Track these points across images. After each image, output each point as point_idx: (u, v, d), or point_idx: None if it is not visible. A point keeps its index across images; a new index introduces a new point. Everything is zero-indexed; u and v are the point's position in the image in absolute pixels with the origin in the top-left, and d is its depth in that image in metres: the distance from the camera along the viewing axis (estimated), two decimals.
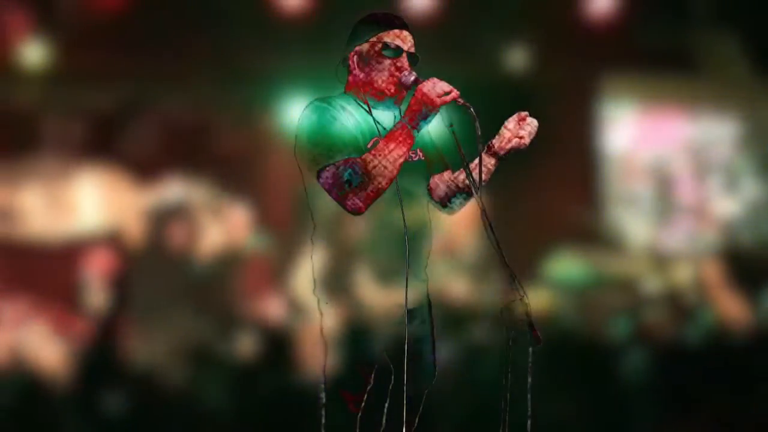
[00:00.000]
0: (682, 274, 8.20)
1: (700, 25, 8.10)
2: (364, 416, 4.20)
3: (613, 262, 8.11)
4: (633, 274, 8.08)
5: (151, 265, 7.19)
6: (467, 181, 4.26)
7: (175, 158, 7.09)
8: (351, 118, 4.12)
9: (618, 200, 8.40)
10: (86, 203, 7.22)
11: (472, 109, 4.08)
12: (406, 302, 4.12)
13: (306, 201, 4.17)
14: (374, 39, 4.21)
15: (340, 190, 3.93)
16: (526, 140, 4.38)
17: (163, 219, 7.16)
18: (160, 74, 7.00)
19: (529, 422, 3.90)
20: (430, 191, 4.43)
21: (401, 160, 3.95)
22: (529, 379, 3.83)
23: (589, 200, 8.27)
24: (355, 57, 4.22)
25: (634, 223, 8.35)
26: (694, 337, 7.87)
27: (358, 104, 4.20)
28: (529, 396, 3.84)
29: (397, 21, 4.29)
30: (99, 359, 7.02)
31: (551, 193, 7.95)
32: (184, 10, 7.01)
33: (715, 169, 8.56)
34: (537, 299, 7.80)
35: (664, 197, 8.50)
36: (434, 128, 4.25)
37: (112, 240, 7.22)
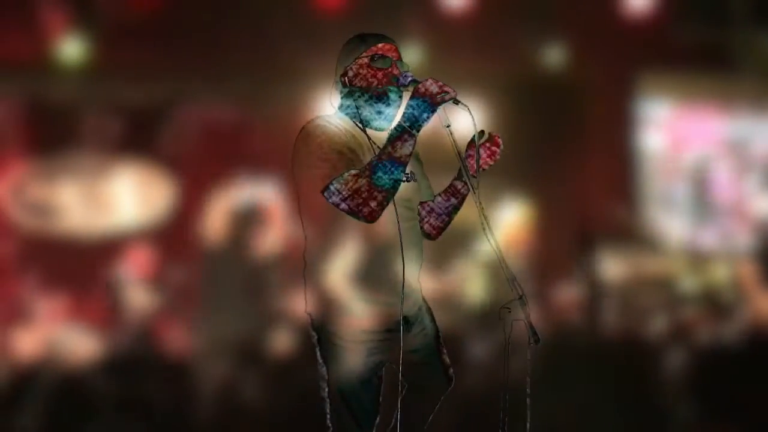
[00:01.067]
0: (719, 273, 8.17)
1: (738, 22, 8.06)
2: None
3: (650, 260, 8.09)
4: (670, 273, 8.05)
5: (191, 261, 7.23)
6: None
7: (213, 155, 7.12)
8: (349, 135, 4.16)
9: (655, 199, 8.37)
10: (123, 199, 7.25)
11: (469, 109, 4.06)
12: (402, 310, 4.15)
13: (300, 219, 4.20)
14: (363, 54, 4.24)
15: (352, 201, 3.96)
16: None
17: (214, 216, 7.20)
18: (199, 71, 7.03)
19: (528, 422, 3.90)
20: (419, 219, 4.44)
21: (406, 160, 3.97)
22: (528, 377, 3.83)
23: (626, 199, 8.25)
24: (346, 78, 4.25)
25: (671, 222, 8.32)
26: (731, 335, 7.83)
27: (353, 122, 4.24)
28: (528, 389, 3.84)
29: (384, 37, 4.30)
30: (135, 354, 7.05)
31: (588, 191, 7.93)
32: (223, 6, 7.05)
33: (752, 168, 8.52)
34: (574, 295, 7.81)
35: (702, 196, 8.47)
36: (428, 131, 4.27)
37: (149, 236, 7.26)
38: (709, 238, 8.40)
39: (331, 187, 3.97)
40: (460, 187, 4.42)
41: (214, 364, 6.97)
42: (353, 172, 3.97)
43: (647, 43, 7.83)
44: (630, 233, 8.16)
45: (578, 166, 7.96)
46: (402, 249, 4.11)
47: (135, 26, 7.15)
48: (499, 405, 3.87)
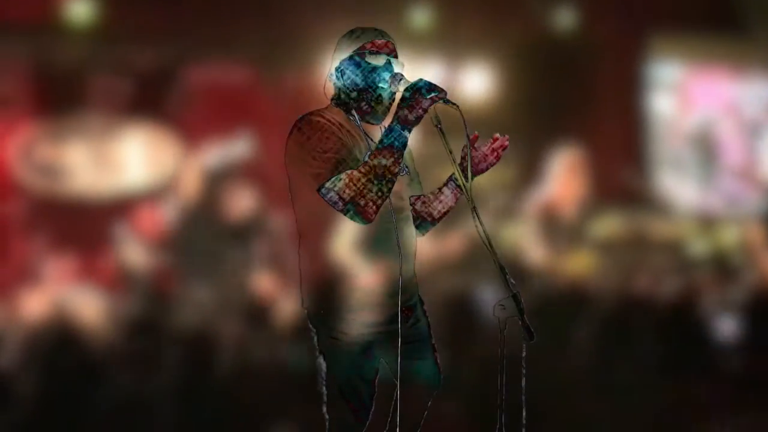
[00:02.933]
0: (727, 236, 8.17)
1: None
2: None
3: (657, 223, 8.08)
4: (678, 236, 8.05)
5: (196, 223, 7.22)
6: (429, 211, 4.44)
7: (220, 117, 7.11)
8: (344, 130, 4.16)
9: (664, 162, 8.35)
10: (132, 160, 7.24)
11: (459, 108, 4.07)
12: (399, 304, 4.16)
13: (295, 215, 4.21)
14: (359, 50, 4.23)
15: (348, 201, 3.97)
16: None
17: (212, 178, 7.18)
18: (208, 32, 7.00)
19: (525, 419, 3.91)
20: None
21: (399, 158, 3.99)
22: (524, 372, 3.84)
23: (635, 161, 8.24)
24: (341, 72, 4.25)
25: (681, 185, 8.31)
26: (738, 298, 7.84)
27: (348, 117, 4.24)
28: (523, 385, 3.85)
29: (381, 34, 4.30)
30: (144, 315, 7.07)
31: (596, 154, 7.92)
32: None
33: (762, 131, 8.50)
34: (581, 260, 7.81)
35: (710, 159, 8.45)
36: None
37: (157, 197, 7.25)
38: (717, 201, 8.39)
39: (327, 185, 3.98)
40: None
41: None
42: (349, 171, 3.97)
43: (658, 4, 7.79)
44: (639, 196, 8.15)
45: (588, 128, 7.94)
46: (398, 244, 4.14)
47: None
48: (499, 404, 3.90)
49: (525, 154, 7.79)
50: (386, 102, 4.23)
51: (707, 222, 8.23)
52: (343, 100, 4.27)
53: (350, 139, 4.14)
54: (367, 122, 4.25)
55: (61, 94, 7.07)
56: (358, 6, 6.43)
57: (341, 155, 4.04)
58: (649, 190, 8.19)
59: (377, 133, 4.22)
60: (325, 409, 4.23)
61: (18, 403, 6.59)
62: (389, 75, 4.21)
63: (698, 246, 8.06)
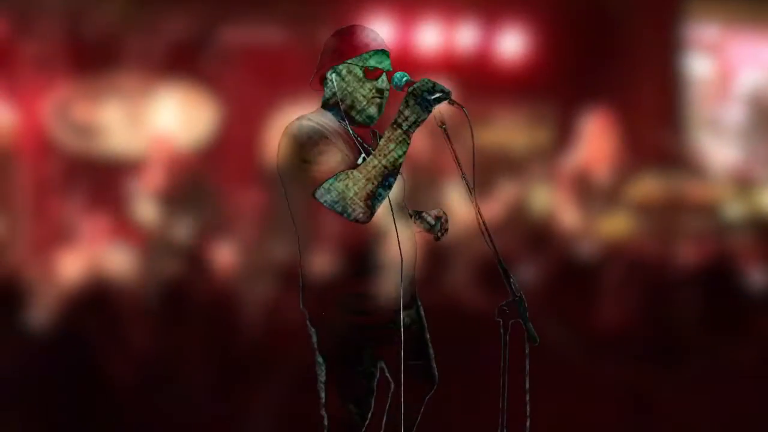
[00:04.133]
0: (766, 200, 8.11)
1: None
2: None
3: (695, 186, 8.03)
4: (715, 199, 7.99)
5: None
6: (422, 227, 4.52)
7: (256, 77, 7.10)
8: (335, 132, 4.15)
9: (702, 124, 8.29)
10: (167, 120, 7.25)
11: (464, 109, 4.05)
12: (401, 304, 4.15)
13: (293, 219, 4.21)
14: (355, 61, 4.20)
15: (344, 204, 3.95)
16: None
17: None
18: None
19: (528, 418, 3.90)
20: None
21: (399, 162, 3.97)
22: (527, 371, 3.83)
23: (672, 124, 8.18)
24: (335, 76, 4.23)
25: (719, 148, 8.25)
26: None
27: (338, 120, 4.21)
28: (527, 386, 3.84)
29: (376, 40, 4.27)
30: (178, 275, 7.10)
31: (633, 115, 7.87)
32: None
33: None
34: (617, 222, 7.78)
35: (750, 122, 8.37)
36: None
37: (191, 157, 7.27)
38: (757, 164, 8.33)
39: (323, 188, 3.98)
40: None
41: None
42: (347, 172, 3.96)
43: None
44: (676, 158, 8.10)
45: (623, 90, 7.89)
46: (399, 244, 4.14)
47: None
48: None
49: (559, 116, 7.76)
50: (379, 105, 4.23)
51: (746, 185, 8.16)
52: (334, 103, 4.26)
53: (342, 142, 4.14)
54: (359, 125, 4.25)
55: (96, 54, 7.09)
56: None
57: (335, 158, 4.05)
58: (686, 152, 8.13)
59: (368, 136, 4.24)
60: (323, 409, 4.25)
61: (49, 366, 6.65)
62: (387, 75, 4.21)
63: (736, 209, 8.00)
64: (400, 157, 3.97)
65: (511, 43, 7.65)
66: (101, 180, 7.11)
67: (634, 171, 7.87)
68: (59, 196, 7.08)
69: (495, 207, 7.47)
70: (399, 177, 4.21)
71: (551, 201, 7.75)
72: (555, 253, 7.58)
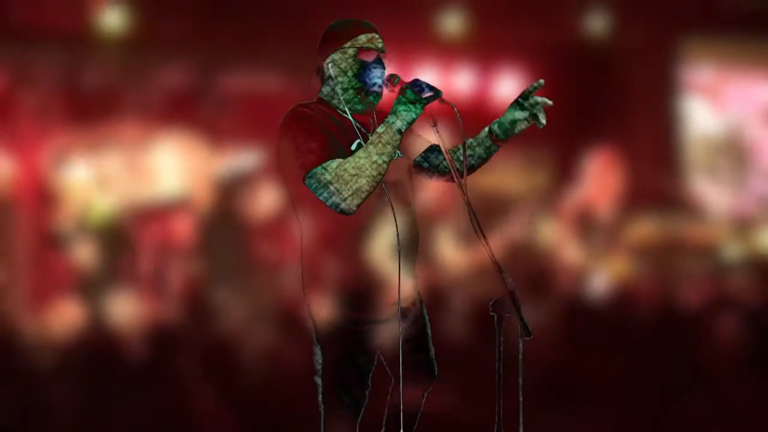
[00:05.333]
0: (762, 240, 8.13)
1: None
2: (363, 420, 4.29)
3: (691, 227, 8.06)
4: (712, 240, 8.02)
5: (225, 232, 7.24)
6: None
7: (255, 127, 7.12)
8: (332, 122, 4.18)
9: (697, 166, 8.32)
10: (165, 170, 7.27)
11: (455, 108, 4.07)
12: (399, 301, 4.16)
13: (293, 209, 4.23)
14: (347, 45, 4.25)
15: (329, 192, 3.99)
16: None
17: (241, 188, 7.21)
18: (240, 41, 7.03)
19: (521, 416, 3.90)
20: (420, 170, 4.46)
21: (388, 160, 4.00)
22: (521, 370, 3.83)
23: (668, 165, 8.21)
24: (330, 65, 4.26)
25: (714, 189, 8.28)
26: None
27: (337, 110, 4.25)
28: (520, 383, 3.84)
29: (365, 24, 4.31)
30: (176, 323, 7.09)
31: (630, 158, 7.91)
32: None
33: None
34: (616, 264, 7.79)
35: (744, 162, 8.41)
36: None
37: (190, 206, 7.27)
38: (750, 204, 8.36)
39: (311, 175, 4.00)
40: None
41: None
42: (336, 161, 3.99)
43: (691, 7, 7.77)
44: (672, 200, 8.13)
45: (620, 132, 7.93)
46: (397, 235, 4.15)
47: None
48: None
49: (558, 159, 7.79)
50: (375, 96, 4.25)
51: (741, 225, 8.19)
52: (331, 94, 4.29)
53: (337, 131, 4.16)
54: (360, 112, 4.27)
55: (95, 104, 7.11)
56: (389, 11, 6.44)
57: (326, 146, 4.06)
58: (682, 193, 8.16)
59: (369, 123, 4.24)
60: (320, 398, 4.25)
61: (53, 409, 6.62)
62: (381, 72, 4.23)
63: (733, 249, 8.02)
64: (390, 154, 4.02)
65: (508, 87, 7.69)
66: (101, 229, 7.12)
67: (632, 213, 7.90)
68: (59, 245, 7.09)
69: (494, 249, 7.48)
70: (402, 170, 4.29)
71: (550, 243, 7.76)
72: (555, 295, 7.59)
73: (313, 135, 4.07)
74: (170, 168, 7.28)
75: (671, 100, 8.28)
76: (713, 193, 8.25)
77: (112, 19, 7.14)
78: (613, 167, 7.84)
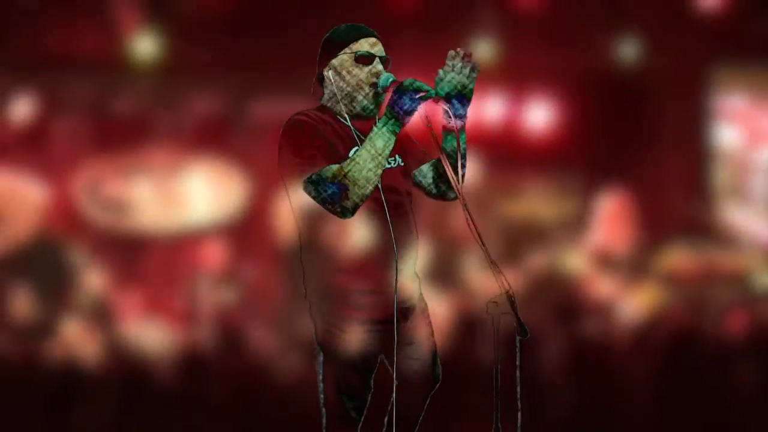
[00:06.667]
0: None
1: None
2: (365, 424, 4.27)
3: (724, 255, 8.01)
4: (745, 268, 7.96)
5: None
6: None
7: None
8: (331, 129, 4.18)
9: (730, 194, 8.28)
10: (197, 196, 7.29)
11: (448, 107, 4.07)
12: (396, 302, 4.15)
13: (293, 213, 4.23)
14: (346, 50, 4.26)
15: (327, 197, 4.00)
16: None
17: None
18: (271, 67, 7.05)
19: (519, 414, 3.88)
20: (418, 180, 4.47)
21: (383, 162, 4.01)
22: (518, 371, 3.82)
23: (700, 193, 8.17)
24: (330, 72, 4.28)
25: (747, 218, 8.23)
26: None
27: (336, 116, 4.26)
28: (518, 383, 3.82)
29: (365, 30, 4.32)
30: (208, 351, 7.09)
31: (662, 186, 7.88)
32: (293, 1, 7.06)
33: None
34: (647, 293, 7.75)
35: None
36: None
37: (222, 233, 7.29)
38: None
39: (308, 180, 4.01)
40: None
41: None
42: (333, 166, 4.00)
43: (722, 35, 7.75)
44: (704, 228, 8.09)
45: (653, 160, 7.90)
46: (394, 239, 4.14)
47: (206, 23, 7.18)
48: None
49: (588, 187, 7.77)
50: (375, 101, 4.26)
51: None
52: (331, 99, 4.30)
53: (336, 137, 4.17)
54: (361, 118, 4.28)
55: (127, 130, 7.15)
56: (419, 40, 6.46)
57: (324, 152, 4.07)
58: (714, 222, 8.12)
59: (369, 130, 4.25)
60: (322, 402, 4.25)
61: None
62: (378, 74, 4.23)
63: (766, 278, 7.97)
64: (385, 156, 4.03)
65: (539, 115, 7.69)
66: (132, 256, 7.14)
67: (664, 241, 7.86)
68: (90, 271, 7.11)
69: (523, 278, 7.46)
70: (395, 167, 4.31)
71: (580, 272, 7.73)
72: (584, 324, 7.56)
73: (312, 141, 4.09)
74: (201, 194, 7.31)
75: (703, 127, 8.25)
76: (746, 221, 8.20)
77: (143, 47, 7.19)
78: (627, 209, 7.83)
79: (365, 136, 4.12)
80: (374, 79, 4.23)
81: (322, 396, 4.25)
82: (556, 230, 7.76)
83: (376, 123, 4.20)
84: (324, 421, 4.26)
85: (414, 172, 4.44)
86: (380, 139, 4.03)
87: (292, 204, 4.21)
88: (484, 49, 7.49)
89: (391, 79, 4.18)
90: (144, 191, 7.25)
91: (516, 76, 7.55)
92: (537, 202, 7.78)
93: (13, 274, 7.00)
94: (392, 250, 4.15)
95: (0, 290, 6.96)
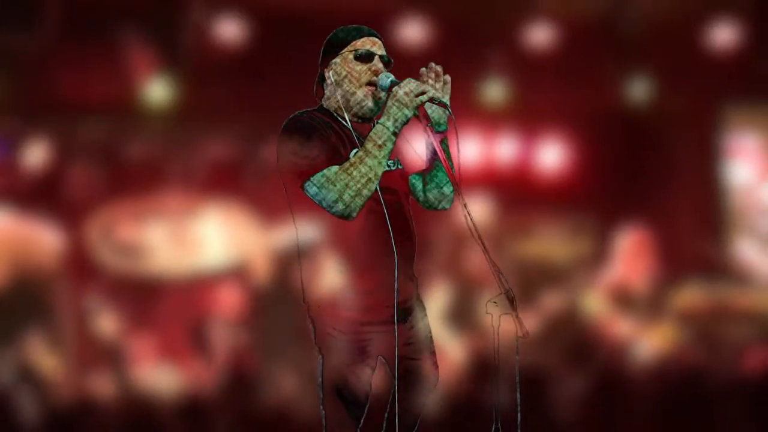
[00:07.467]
0: None
1: None
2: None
3: (738, 293, 7.99)
4: (760, 306, 7.94)
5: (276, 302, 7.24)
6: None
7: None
8: (330, 130, 4.19)
9: (742, 231, 8.27)
10: (211, 239, 7.29)
11: (449, 109, 4.09)
12: (396, 304, 4.15)
13: (292, 215, 4.24)
14: (346, 50, 4.27)
15: (327, 198, 3.99)
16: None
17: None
18: (284, 110, 7.06)
19: (518, 414, 3.87)
20: (412, 190, 4.49)
21: (384, 161, 4.02)
22: (517, 370, 3.81)
23: (713, 231, 8.16)
24: (331, 72, 4.29)
25: (759, 254, 8.22)
26: None
27: (337, 117, 4.26)
28: (517, 384, 3.82)
29: (367, 31, 4.34)
30: (225, 395, 7.07)
31: (674, 224, 7.87)
32: (306, 44, 7.08)
33: None
34: (662, 332, 7.73)
35: None
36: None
37: (237, 276, 7.29)
38: None
39: (310, 182, 4.02)
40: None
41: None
42: (333, 167, 4.00)
43: (733, 75, 7.76)
44: (717, 266, 8.07)
45: (665, 199, 7.90)
46: (392, 240, 4.14)
47: (219, 67, 7.21)
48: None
49: (601, 227, 7.76)
50: (375, 102, 4.26)
51: None
52: (331, 101, 4.31)
53: (336, 138, 4.17)
54: (360, 119, 4.29)
55: (140, 175, 7.16)
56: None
57: (324, 153, 4.08)
58: (727, 260, 8.10)
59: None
60: (322, 402, 4.23)
61: None
62: (377, 74, 4.24)
63: None
64: (385, 156, 4.03)
65: (551, 155, 7.70)
66: (146, 299, 7.14)
67: (678, 280, 7.84)
68: (103, 316, 7.11)
69: (538, 319, 7.45)
70: (394, 170, 4.31)
71: (595, 312, 7.72)
72: (599, 366, 7.54)
73: (312, 142, 4.09)
74: (215, 237, 7.31)
75: (715, 166, 8.25)
76: (759, 259, 8.18)
77: (156, 92, 7.21)
78: (653, 237, 7.82)
79: (365, 137, 4.12)
80: (374, 78, 4.25)
81: (321, 397, 4.24)
82: (570, 270, 7.75)
83: (375, 124, 4.22)
84: (324, 422, 4.25)
85: (409, 177, 4.46)
86: (380, 141, 4.03)
87: (291, 205, 4.22)
88: (497, 90, 7.52)
89: (390, 79, 4.19)
90: (157, 235, 7.26)
91: (529, 116, 7.57)
92: (551, 241, 7.78)
93: (27, 317, 7.01)
94: (391, 252, 4.16)
95: (14, 332, 6.97)
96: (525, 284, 7.51)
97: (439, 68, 4.29)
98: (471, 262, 6.10)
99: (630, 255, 7.85)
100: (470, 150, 7.44)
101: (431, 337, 4.44)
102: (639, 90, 7.86)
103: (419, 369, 4.37)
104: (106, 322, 7.14)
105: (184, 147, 7.22)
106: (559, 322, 7.59)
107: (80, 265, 7.16)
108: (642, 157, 7.79)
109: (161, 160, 7.19)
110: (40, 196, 7.08)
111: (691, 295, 7.88)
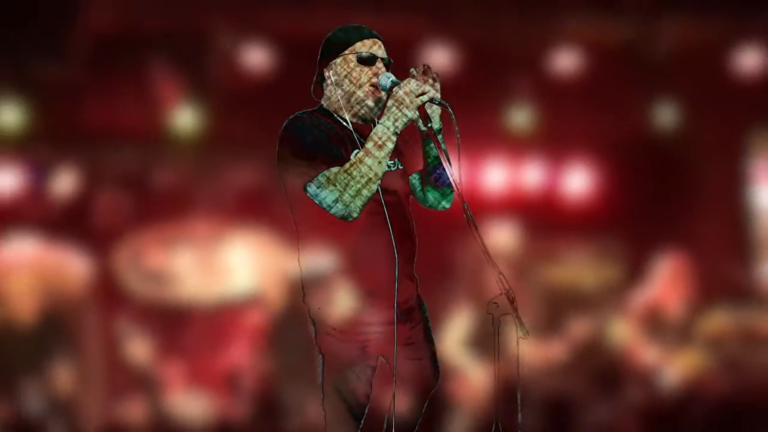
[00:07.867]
0: None
1: None
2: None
3: (766, 318, 7.96)
4: None
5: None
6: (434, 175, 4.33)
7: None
8: (331, 131, 4.18)
9: None
10: (238, 267, 7.31)
11: (450, 109, 4.08)
12: (396, 304, 4.14)
13: (292, 216, 4.24)
14: (347, 51, 4.28)
15: (328, 199, 4.00)
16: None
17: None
18: None
19: (519, 414, 3.87)
20: (412, 190, 4.46)
21: (385, 161, 4.02)
22: (518, 370, 3.81)
23: (741, 257, 8.14)
24: (331, 71, 4.29)
25: None
26: None
27: (337, 118, 4.27)
28: (518, 384, 3.81)
29: (366, 30, 4.34)
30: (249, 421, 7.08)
31: (702, 250, 7.85)
32: None
33: None
34: (691, 358, 7.70)
35: None
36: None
37: (264, 303, 7.30)
38: None
39: (311, 183, 4.02)
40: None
41: None
42: (334, 168, 4.00)
43: (760, 100, 7.75)
44: (745, 291, 8.05)
45: (692, 224, 7.89)
46: (393, 240, 4.14)
47: (246, 94, 7.24)
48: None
49: (629, 253, 7.75)
50: (375, 102, 4.26)
51: None
52: (331, 101, 4.31)
53: (337, 139, 4.17)
54: (361, 120, 4.29)
55: (168, 202, 7.19)
56: (459, 108, 6.48)
57: (324, 154, 4.07)
58: (755, 285, 8.07)
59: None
60: (322, 403, 4.23)
61: None
62: (378, 76, 4.24)
63: None
64: (386, 156, 4.02)
65: (578, 182, 7.70)
66: (174, 326, 7.16)
67: (706, 305, 7.82)
68: (132, 343, 7.14)
69: (565, 345, 7.44)
70: (395, 170, 4.31)
71: (623, 338, 7.70)
72: (627, 392, 7.51)
73: (312, 143, 4.09)
74: (242, 264, 7.33)
75: (742, 191, 8.23)
76: None
77: (183, 120, 7.25)
78: (682, 263, 7.79)
79: (365, 138, 4.12)
80: (375, 79, 4.26)
81: (322, 397, 4.24)
82: (598, 296, 7.73)
83: (375, 124, 4.22)
84: (325, 422, 4.25)
85: (409, 177, 4.44)
86: (380, 141, 4.04)
87: (291, 205, 4.22)
88: (524, 116, 7.53)
89: (390, 79, 4.19)
90: (185, 262, 7.29)
91: (556, 143, 7.57)
92: (578, 267, 7.77)
93: (56, 345, 7.04)
94: (392, 252, 4.17)
95: (44, 360, 7.00)
96: (552, 310, 7.51)
97: (427, 65, 4.27)
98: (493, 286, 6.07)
99: (668, 280, 7.83)
100: (497, 176, 7.45)
101: (432, 337, 4.44)
102: (666, 116, 7.86)
103: (420, 369, 4.37)
104: (135, 349, 7.16)
105: (211, 175, 7.25)
106: (586, 348, 7.57)
107: (108, 292, 7.19)
108: (669, 183, 7.78)
109: (188, 187, 7.22)
110: (70, 223, 7.11)
111: (719, 321, 7.86)
